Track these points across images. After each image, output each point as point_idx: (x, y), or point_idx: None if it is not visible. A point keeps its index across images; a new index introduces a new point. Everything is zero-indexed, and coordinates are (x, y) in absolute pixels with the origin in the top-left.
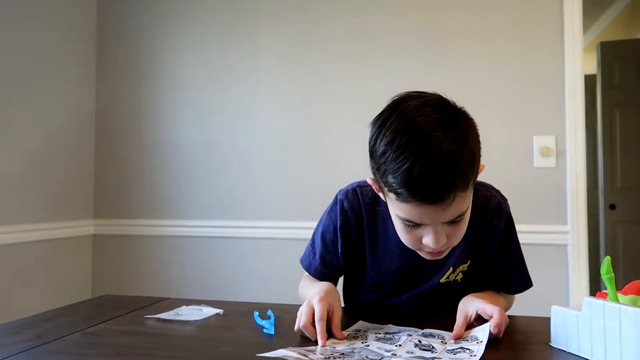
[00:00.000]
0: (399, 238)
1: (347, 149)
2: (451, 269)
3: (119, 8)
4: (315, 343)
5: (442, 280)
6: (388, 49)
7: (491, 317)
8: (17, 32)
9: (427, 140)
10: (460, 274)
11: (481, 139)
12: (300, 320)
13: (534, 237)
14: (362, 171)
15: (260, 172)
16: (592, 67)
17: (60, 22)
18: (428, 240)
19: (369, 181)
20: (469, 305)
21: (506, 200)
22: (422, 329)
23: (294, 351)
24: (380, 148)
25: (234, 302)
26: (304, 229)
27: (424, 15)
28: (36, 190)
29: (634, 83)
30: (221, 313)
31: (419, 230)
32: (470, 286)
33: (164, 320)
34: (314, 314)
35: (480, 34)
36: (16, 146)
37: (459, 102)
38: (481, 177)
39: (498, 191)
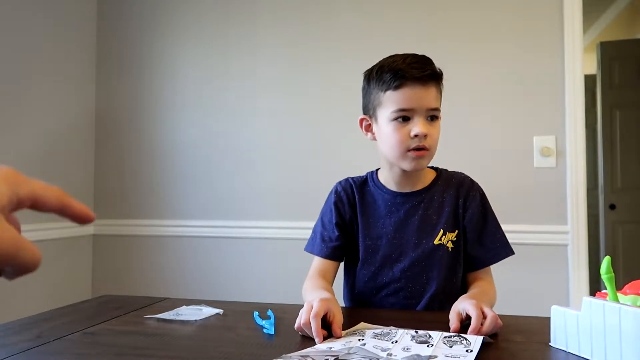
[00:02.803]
0: (387, 204)
1: (347, 149)
2: (441, 230)
3: (119, 8)
4: (314, 342)
5: (436, 241)
6: (388, 49)
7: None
8: (17, 32)
9: (409, 54)
10: (450, 242)
11: (481, 138)
12: (301, 318)
13: (534, 237)
14: (362, 171)
15: (260, 172)
16: (592, 67)
17: (60, 21)
18: (416, 129)
19: (362, 117)
20: (459, 304)
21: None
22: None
23: (284, 359)
24: (375, 73)
25: (234, 302)
26: (304, 229)
27: (424, 16)
28: None
29: (634, 83)
30: (221, 313)
31: (408, 125)
32: (460, 258)
33: (164, 320)
34: None
35: (480, 34)
36: (16, 146)
37: (459, 103)
38: (482, 176)
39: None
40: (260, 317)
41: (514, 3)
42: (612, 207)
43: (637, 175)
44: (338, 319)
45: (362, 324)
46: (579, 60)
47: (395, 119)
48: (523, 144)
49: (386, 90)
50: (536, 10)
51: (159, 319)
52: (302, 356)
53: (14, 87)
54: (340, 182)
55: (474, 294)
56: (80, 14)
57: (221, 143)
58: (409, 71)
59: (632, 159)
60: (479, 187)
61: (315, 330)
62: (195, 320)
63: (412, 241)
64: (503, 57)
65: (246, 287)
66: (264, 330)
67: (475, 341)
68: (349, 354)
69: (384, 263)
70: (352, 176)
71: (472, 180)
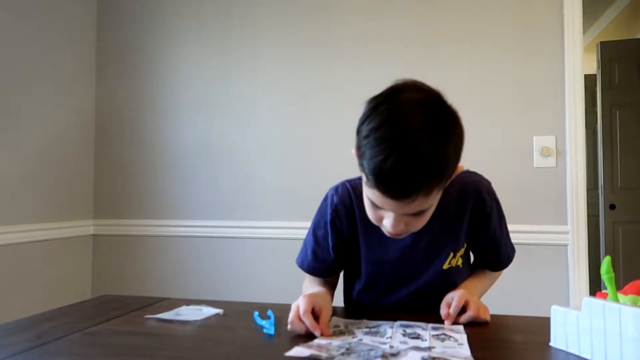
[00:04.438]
0: None
1: (347, 150)
2: (452, 254)
3: (119, 8)
4: (311, 337)
5: (445, 266)
6: (388, 50)
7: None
8: (17, 32)
9: (406, 139)
10: (460, 258)
11: (482, 139)
12: (290, 317)
13: (534, 237)
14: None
15: (260, 172)
16: (592, 67)
17: (60, 22)
18: (387, 223)
19: (354, 152)
20: (450, 294)
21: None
22: (395, 321)
23: (309, 347)
24: (365, 131)
25: (234, 302)
26: (304, 229)
27: (425, 14)
28: (36, 190)
29: (634, 83)
30: (221, 313)
31: (381, 211)
32: (467, 264)
33: (164, 320)
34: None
35: (480, 34)
36: (16, 146)
37: (459, 103)
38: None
39: (482, 176)
40: (260, 317)
41: (514, 3)
42: (612, 207)
43: (637, 175)
44: (325, 316)
45: (335, 319)
46: (579, 60)
47: (369, 199)
48: (523, 144)
49: (363, 171)
50: (536, 10)
51: (159, 319)
52: (319, 346)
53: (14, 88)
54: (336, 190)
55: (466, 285)
56: (80, 14)
57: (221, 143)
58: (387, 180)
59: (632, 159)
60: (494, 191)
61: (311, 325)
62: (195, 320)
63: (419, 267)
64: (503, 57)
65: (246, 287)
66: (264, 330)
67: (461, 338)
68: (350, 347)
69: (389, 288)
70: (349, 180)
71: (488, 184)
